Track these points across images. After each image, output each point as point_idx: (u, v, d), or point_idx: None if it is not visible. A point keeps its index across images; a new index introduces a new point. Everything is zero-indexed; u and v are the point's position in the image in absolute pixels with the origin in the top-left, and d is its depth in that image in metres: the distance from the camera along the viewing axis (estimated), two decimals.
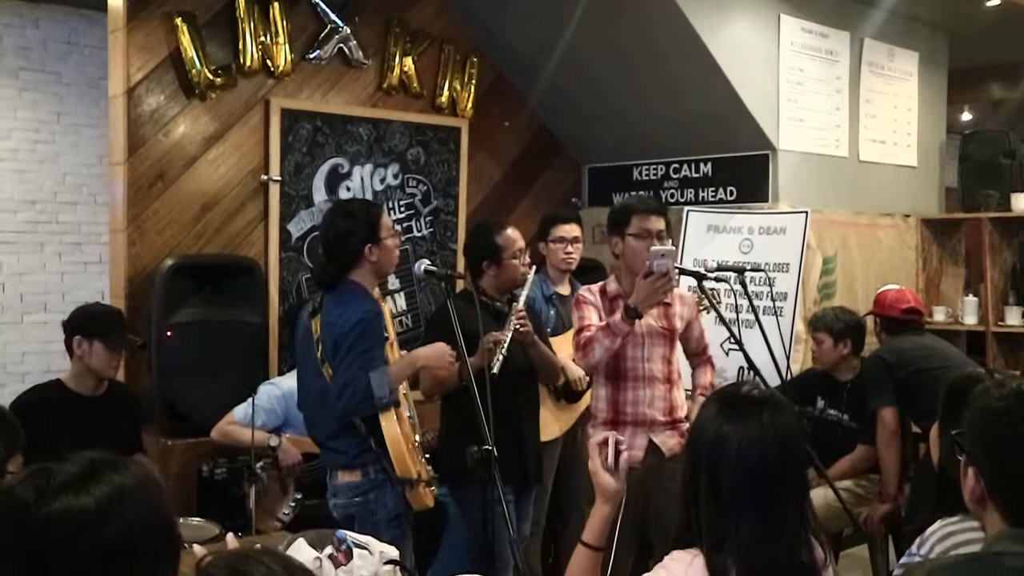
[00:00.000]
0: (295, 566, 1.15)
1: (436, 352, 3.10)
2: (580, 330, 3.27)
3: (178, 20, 4.33)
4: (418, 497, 3.09)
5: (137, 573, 1.31)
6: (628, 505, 3.22)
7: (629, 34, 4.87)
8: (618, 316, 3.10)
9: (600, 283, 3.45)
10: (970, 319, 5.56)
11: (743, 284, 3.58)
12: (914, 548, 1.82)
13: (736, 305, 4.11)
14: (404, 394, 3.19)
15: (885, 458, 4.01)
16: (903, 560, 1.83)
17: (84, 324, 3.46)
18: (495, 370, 3.14)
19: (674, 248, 3.25)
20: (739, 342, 3.31)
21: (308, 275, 4.70)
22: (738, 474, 1.74)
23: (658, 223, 3.29)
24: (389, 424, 3.04)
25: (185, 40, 4.34)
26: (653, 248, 3.13)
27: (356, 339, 3.01)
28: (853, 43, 5.49)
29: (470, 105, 5.37)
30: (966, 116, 7.77)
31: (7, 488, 1.37)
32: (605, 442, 2.03)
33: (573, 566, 1.98)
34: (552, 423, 3.95)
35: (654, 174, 5.59)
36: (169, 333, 4.09)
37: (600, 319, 3.28)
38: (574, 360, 3.49)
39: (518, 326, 3.36)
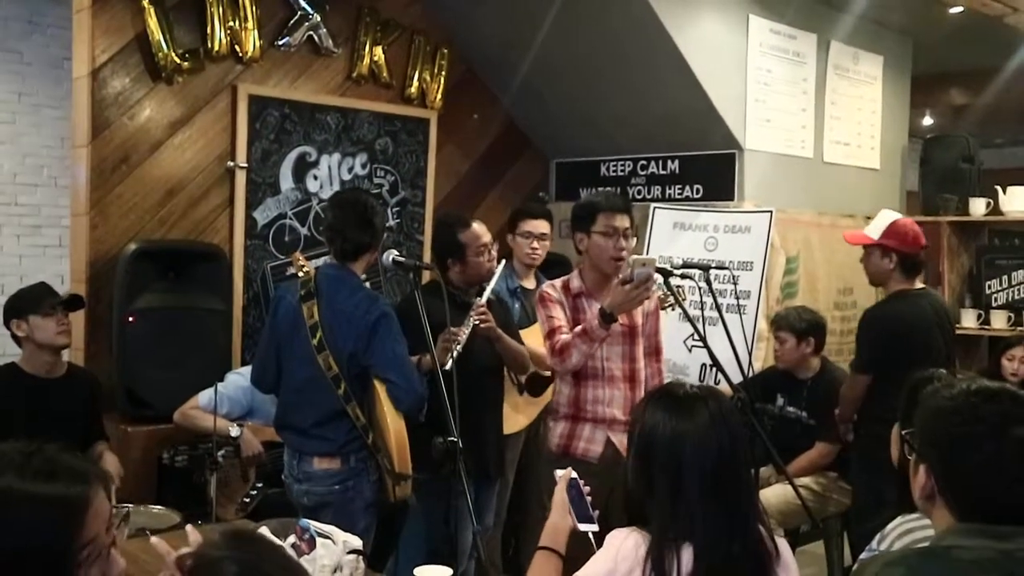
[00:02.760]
0: (297, 567, 1.14)
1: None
2: (552, 331, 3.26)
3: (145, 2, 4.27)
4: (403, 489, 3.12)
5: None
6: (591, 496, 3.26)
7: (600, 31, 4.89)
8: (595, 322, 3.10)
9: (563, 279, 3.46)
10: None
11: (708, 282, 3.62)
12: (874, 544, 1.86)
13: (701, 303, 4.15)
14: None
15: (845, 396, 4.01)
16: (863, 556, 1.87)
17: (13, 307, 3.47)
18: (447, 366, 3.14)
19: (654, 258, 3.26)
20: (703, 339, 3.33)
21: (273, 263, 4.67)
22: (697, 468, 1.84)
23: (623, 221, 3.30)
24: (396, 419, 3.09)
25: (152, 22, 4.29)
26: (634, 257, 3.15)
27: (394, 332, 3.09)
28: (820, 45, 5.56)
29: (439, 97, 5.35)
30: (928, 121, 7.90)
31: None
32: (571, 484, 2.19)
33: (535, 569, 2.02)
34: (516, 416, 3.97)
35: (622, 170, 5.62)
36: (131, 319, 4.04)
37: (566, 317, 3.28)
38: (550, 363, 3.48)
39: (478, 321, 3.37)
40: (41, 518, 1.28)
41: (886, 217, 3.96)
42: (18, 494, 1.27)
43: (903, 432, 1.62)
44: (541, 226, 4.28)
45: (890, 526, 1.85)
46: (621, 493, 3.16)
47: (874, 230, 3.93)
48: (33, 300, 3.47)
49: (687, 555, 1.79)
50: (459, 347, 3.25)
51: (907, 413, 2.01)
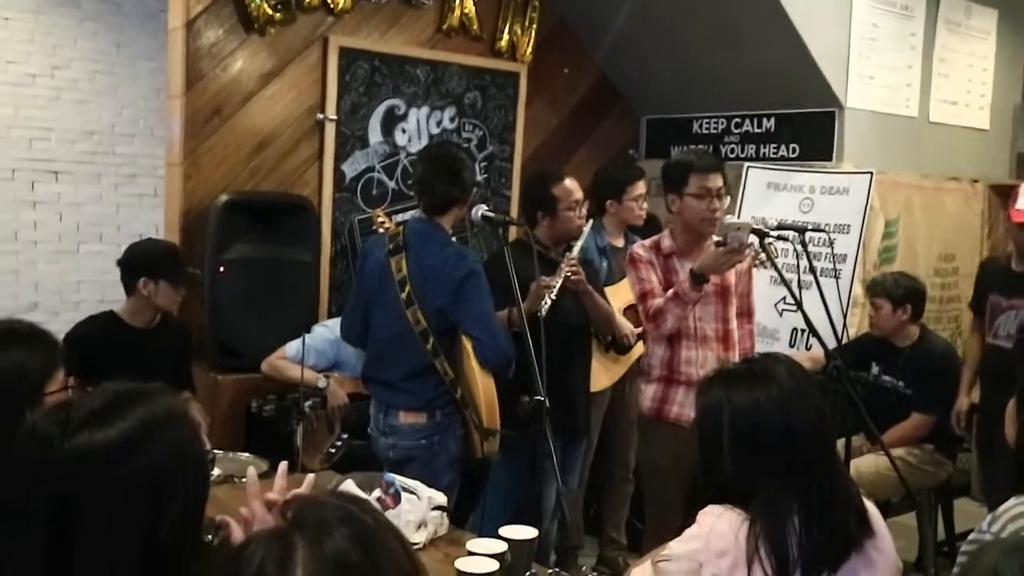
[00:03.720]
0: (404, 541, 1.12)
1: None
2: (644, 295, 3.20)
3: None
4: (490, 445, 3.12)
5: (166, 506, 1.30)
6: (684, 462, 3.20)
7: None
8: (686, 285, 3.04)
9: (653, 238, 3.38)
10: None
11: (803, 244, 3.49)
12: (985, 525, 1.76)
13: (796, 266, 4.02)
14: None
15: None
16: (972, 536, 1.77)
17: (148, 264, 3.47)
18: (542, 313, 3.11)
19: (749, 222, 3.16)
20: (798, 302, 3.22)
21: (361, 216, 4.68)
22: (790, 437, 1.78)
23: (717, 180, 3.20)
24: (485, 375, 3.10)
25: None
26: (728, 219, 3.07)
27: (482, 288, 3.08)
28: None
29: (530, 50, 5.26)
30: None
31: (31, 424, 1.37)
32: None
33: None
34: (601, 374, 3.91)
35: (714, 128, 5.46)
36: (222, 269, 4.10)
37: (658, 279, 3.21)
38: (644, 330, 3.42)
39: (569, 273, 3.31)
40: None
41: None
42: None
43: None
44: (643, 186, 4.22)
45: (1003, 507, 1.75)
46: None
47: None
48: (170, 265, 3.50)
49: (795, 531, 1.73)
50: (552, 296, 3.21)
51: None
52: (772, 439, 1.78)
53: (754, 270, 3.58)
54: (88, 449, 1.28)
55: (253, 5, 4.33)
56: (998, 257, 4.53)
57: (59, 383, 1.84)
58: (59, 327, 3.62)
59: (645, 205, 4.23)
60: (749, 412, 1.80)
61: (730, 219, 3.10)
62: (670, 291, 3.12)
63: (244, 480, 1.74)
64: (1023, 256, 3.99)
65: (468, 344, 3.11)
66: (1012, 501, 1.75)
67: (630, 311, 3.80)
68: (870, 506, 1.87)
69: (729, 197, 3.40)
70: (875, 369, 4.19)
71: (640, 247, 3.34)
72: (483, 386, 3.10)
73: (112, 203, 5.93)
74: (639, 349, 3.71)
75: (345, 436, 3.77)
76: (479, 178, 5.05)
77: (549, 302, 3.18)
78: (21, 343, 1.83)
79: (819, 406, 1.87)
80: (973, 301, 4.42)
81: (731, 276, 3.31)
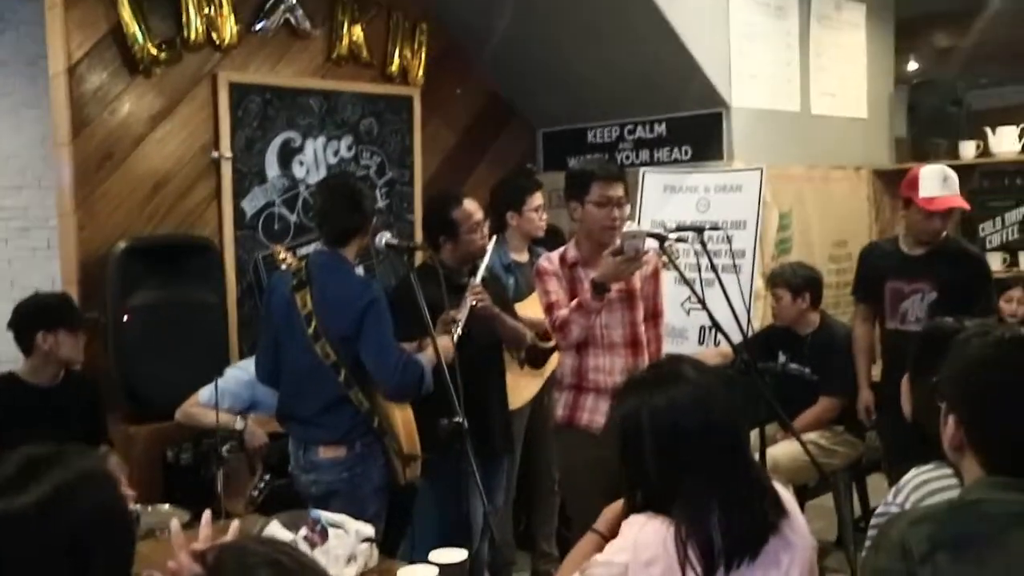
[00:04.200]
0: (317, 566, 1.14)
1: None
2: (550, 307, 3.25)
3: None
4: (412, 471, 3.12)
5: (92, 566, 1.29)
6: (599, 465, 3.25)
7: None
8: (588, 295, 3.10)
9: (559, 250, 3.43)
10: None
11: (703, 243, 3.60)
12: (890, 498, 1.85)
13: (697, 264, 4.13)
14: None
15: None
16: (879, 509, 1.86)
17: (42, 318, 3.38)
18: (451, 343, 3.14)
19: (644, 230, 3.24)
20: (701, 301, 3.32)
21: (264, 253, 4.64)
22: (699, 436, 1.84)
23: (618, 189, 3.27)
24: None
25: (127, 14, 4.22)
26: (625, 230, 3.13)
27: (382, 318, 3.05)
28: None
29: (421, 73, 5.30)
30: (913, 65, 7.84)
31: None
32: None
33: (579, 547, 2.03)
34: (519, 390, 3.96)
35: (608, 136, 5.58)
36: (126, 316, 4.02)
37: (563, 289, 3.27)
38: (555, 343, 3.48)
39: (474, 302, 3.35)
40: None
41: (951, 174, 3.93)
42: None
43: (934, 380, 1.60)
44: (542, 197, 4.28)
45: (905, 479, 1.85)
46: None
47: (956, 189, 3.93)
48: (64, 314, 3.42)
49: (717, 526, 1.78)
50: (459, 330, 3.23)
51: (919, 363, 2.00)
52: (692, 435, 1.83)
53: (662, 272, 3.66)
54: (4, 516, 1.26)
55: (137, 47, 4.26)
56: (880, 243, 4.47)
57: None
58: None
59: (545, 216, 4.29)
60: (668, 412, 1.84)
61: (627, 227, 3.17)
62: (573, 302, 3.17)
63: (167, 533, 1.72)
64: (920, 240, 3.96)
65: None
66: (913, 472, 1.85)
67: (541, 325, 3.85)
68: (780, 488, 1.94)
69: (629, 205, 3.47)
70: (782, 358, 4.34)
71: (546, 259, 3.39)
72: (400, 412, 3.11)
73: (4, 258, 5.75)
74: (554, 362, 3.76)
75: (267, 477, 3.73)
76: (381, 204, 5.06)
77: (456, 337, 3.20)
78: None
79: (729, 398, 1.94)
80: (859, 289, 4.28)
81: (636, 281, 3.37)
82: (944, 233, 4.00)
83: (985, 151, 5.62)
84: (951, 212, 4.04)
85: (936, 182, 3.87)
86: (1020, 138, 5.53)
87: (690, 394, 1.87)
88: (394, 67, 5.19)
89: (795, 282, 4.26)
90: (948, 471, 1.75)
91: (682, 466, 1.83)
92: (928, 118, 6.03)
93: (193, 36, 4.42)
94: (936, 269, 3.90)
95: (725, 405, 1.90)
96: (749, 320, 4.38)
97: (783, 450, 3.96)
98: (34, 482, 1.29)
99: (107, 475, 1.41)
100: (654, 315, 3.46)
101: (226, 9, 4.49)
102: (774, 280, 4.36)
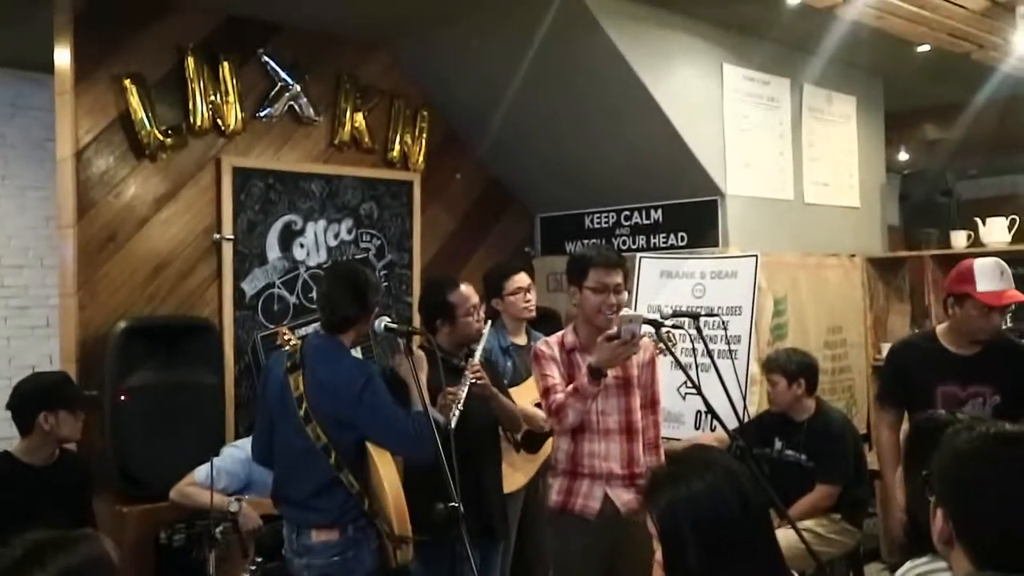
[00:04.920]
0: None
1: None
2: (547, 391, 3.25)
3: (127, 81, 4.33)
4: (404, 554, 3.09)
5: None
6: (593, 551, 3.23)
7: (575, 84, 4.96)
8: (585, 379, 3.11)
9: (558, 334, 3.46)
10: None
11: (698, 329, 3.63)
12: None
13: (692, 350, 4.16)
14: None
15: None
16: None
17: (44, 399, 3.38)
18: (451, 425, 3.15)
19: (641, 314, 3.26)
20: (697, 386, 3.32)
21: (263, 333, 4.67)
22: (730, 520, 1.80)
23: (615, 276, 3.30)
24: (393, 482, 3.07)
25: (134, 101, 4.34)
26: (621, 314, 3.15)
27: (379, 392, 3.05)
28: (794, 89, 5.65)
29: (421, 159, 5.41)
30: (904, 156, 8.00)
31: None
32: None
33: None
34: (515, 474, 3.95)
35: (606, 222, 5.67)
36: (123, 397, 4.02)
37: (561, 374, 3.29)
38: (548, 423, 3.47)
39: (474, 380, 3.36)
40: None
41: (1006, 267, 3.57)
42: None
43: (923, 473, 1.61)
44: (526, 278, 4.29)
45: (900, 572, 1.85)
46: (627, 551, 3.16)
47: (1013, 282, 3.55)
48: (65, 394, 3.42)
49: None
50: (459, 406, 3.24)
51: (911, 456, 2.01)
52: (735, 519, 1.79)
53: (658, 358, 3.68)
54: None
55: (144, 132, 4.36)
56: (915, 341, 4.01)
57: None
58: None
59: (530, 297, 4.27)
60: (709, 498, 1.81)
61: (624, 312, 3.20)
62: (570, 386, 3.19)
63: None
64: (974, 339, 3.57)
65: (374, 453, 3.11)
66: (907, 564, 1.85)
67: (539, 408, 3.86)
68: None
69: (626, 293, 3.50)
70: (778, 444, 4.33)
71: (544, 343, 3.40)
72: (392, 494, 3.07)
73: (2, 336, 5.76)
74: (549, 446, 3.76)
75: (260, 560, 3.68)
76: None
77: (457, 412, 3.22)
78: None
79: (755, 480, 1.92)
80: (892, 394, 3.81)
81: (633, 368, 3.39)
82: None
83: (976, 241, 5.69)
84: (1008, 308, 3.76)
85: (994, 275, 3.51)
86: (1010, 228, 5.61)
87: (724, 478, 1.83)
88: (395, 153, 5.30)
89: (790, 368, 4.27)
90: (942, 564, 1.75)
91: (727, 552, 1.78)
92: (919, 208, 6.14)
93: (199, 122, 4.53)
94: (996, 370, 3.55)
95: (754, 485, 1.89)
96: (745, 406, 4.40)
97: (780, 538, 3.91)
98: (40, 568, 1.30)
99: (110, 562, 1.42)
100: (652, 403, 3.45)
101: (232, 96, 4.61)
102: (769, 366, 4.38)
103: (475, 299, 3.58)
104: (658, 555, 1.85)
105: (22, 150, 5.84)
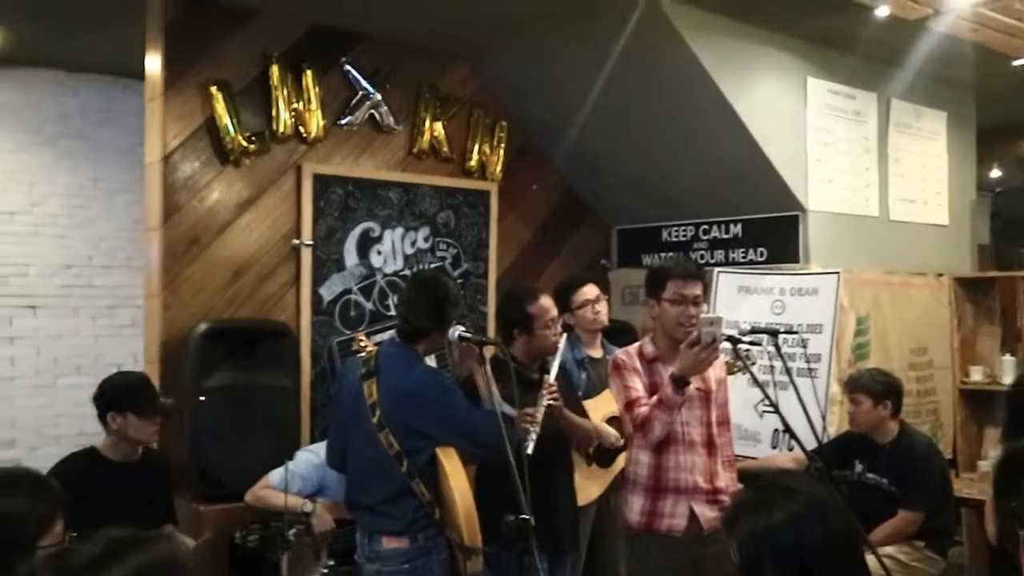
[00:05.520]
0: None
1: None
2: (630, 404, 3.20)
3: (213, 88, 4.42)
4: (474, 564, 3.08)
5: None
6: (673, 571, 3.17)
7: (657, 97, 4.92)
8: (669, 389, 3.06)
9: (635, 344, 3.42)
10: (1008, 378, 5.46)
11: (777, 346, 3.55)
12: None
13: (770, 367, 4.07)
14: None
15: None
16: None
17: (114, 399, 3.45)
18: (529, 450, 3.11)
19: (722, 317, 3.19)
20: (775, 405, 3.25)
21: (340, 339, 4.72)
22: (813, 549, 1.73)
23: (695, 288, 3.25)
24: (464, 493, 3.06)
25: (220, 107, 4.43)
26: (702, 316, 3.10)
27: (448, 394, 3.07)
28: (880, 103, 5.51)
29: (499, 168, 5.42)
30: (996, 173, 7.75)
31: (29, 571, 1.37)
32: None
33: None
34: (587, 487, 3.90)
35: (684, 235, 5.60)
36: (202, 398, 4.10)
37: (643, 384, 3.24)
38: (626, 439, 3.42)
39: (550, 401, 3.33)
40: None
41: None
42: None
43: (1013, 505, 1.53)
44: (593, 290, 4.23)
45: None
46: (709, 569, 3.10)
47: None
48: (136, 399, 3.46)
49: None
50: (537, 429, 3.20)
51: (1001, 485, 1.92)
52: (817, 551, 1.73)
53: (730, 377, 3.61)
54: None
55: (228, 138, 4.45)
56: None
57: (56, 536, 1.83)
58: (38, 462, 3.62)
59: (599, 308, 4.19)
60: (790, 528, 1.75)
61: (704, 315, 3.14)
62: (654, 398, 3.13)
63: None
64: None
65: (445, 462, 3.11)
66: None
67: (613, 422, 3.81)
68: None
69: (706, 305, 3.44)
70: (858, 467, 4.21)
71: (624, 353, 3.35)
72: (463, 504, 3.07)
73: (90, 335, 5.94)
74: (622, 460, 3.71)
75: (332, 563, 3.71)
76: None
77: (535, 435, 3.17)
78: (23, 492, 1.83)
79: (842, 505, 1.84)
80: None
81: (712, 382, 3.34)
82: None
83: None
84: None
85: None
86: None
87: (806, 506, 1.77)
88: (473, 162, 5.32)
89: (876, 388, 4.14)
90: None
91: None
92: (1012, 226, 5.91)
93: (281, 129, 4.61)
94: None
95: (841, 512, 1.82)
96: (824, 426, 4.30)
97: None
98: (117, 565, 1.31)
99: (183, 563, 1.43)
100: (726, 420, 3.41)
101: (314, 104, 4.68)
102: (853, 385, 4.24)
103: (554, 312, 3.55)
104: None
105: (113, 154, 6.01)
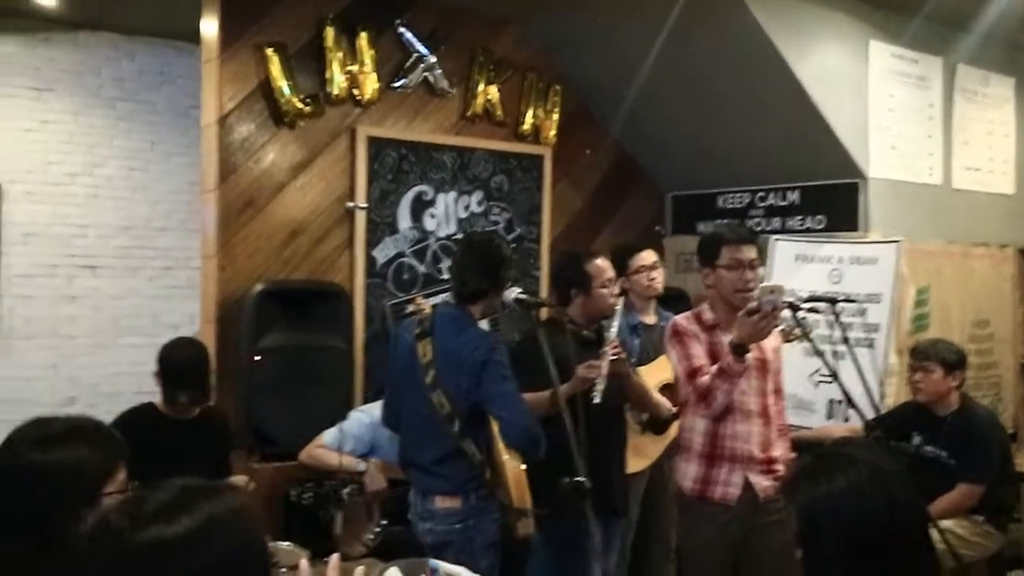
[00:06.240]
0: None
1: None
2: (692, 372, 3.16)
3: (269, 51, 4.42)
4: (525, 526, 3.08)
5: None
6: (726, 541, 3.14)
7: (712, 61, 4.83)
8: (730, 358, 3.01)
9: (694, 311, 3.37)
10: None
11: (836, 315, 3.49)
12: None
13: (829, 336, 4.00)
14: None
15: None
16: None
17: (168, 375, 3.51)
18: (597, 399, 3.12)
19: (782, 285, 3.12)
20: (834, 373, 3.20)
21: (393, 301, 4.73)
22: (875, 520, 1.68)
23: (750, 252, 3.20)
24: (511, 458, 3.06)
25: (275, 70, 4.43)
26: (763, 285, 3.04)
27: (499, 372, 3.04)
28: (946, 69, 5.36)
29: (553, 133, 5.37)
30: None
31: (102, 515, 1.39)
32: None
33: None
34: (639, 455, 3.88)
35: (739, 202, 5.51)
36: (258, 357, 4.14)
37: (704, 352, 3.20)
38: (679, 407, 3.39)
39: (614, 356, 3.30)
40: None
41: None
42: None
43: None
44: (651, 256, 4.20)
45: None
46: (761, 538, 3.07)
47: None
48: (185, 383, 3.51)
49: None
50: (604, 380, 3.20)
51: None
52: (879, 522, 1.68)
53: (785, 345, 3.55)
54: (156, 543, 1.30)
55: (283, 100, 4.46)
56: None
57: (119, 484, 1.85)
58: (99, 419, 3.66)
59: (655, 275, 4.16)
60: (850, 497, 1.69)
61: (765, 284, 3.09)
62: (714, 367, 3.09)
63: (285, 571, 1.74)
64: None
65: (495, 425, 3.11)
66: None
67: (666, 390, 3.77)
68: None
69: (762, 269, 3.39)
70: (916, 439, 4.12)
71: (684, 319, 3.30)
72: (511, 466, 3.08)
73: (148, 295, 6.03)
74: (675, 429, 3.68)
75: (384, 523, 3.74)
76: None
77: (602, 385, 3.17)
78: (83, 441, 1.85)
79: (907, 476, 1.77)
80: None
81: (768, 351, 3.29)
82: None
83: None
84: None
85: None
86: None
87: (869, 475, 1.71)
88: (527, 126, 5.28)
89: (950, 358, 4.03)
90: None
91: (870, 561, 1.67)
92: None
93: (336, 92, 4.60)
94: None
95: (906, 483, 1.75)
96: (882, 396, 4.22)
97: None
98: (186, 513, 1.32)
99: (252, 514, 1.44)
100: (779, 389, 3.35)
101: (368, 67, 4.67)
102: (925, 353, 4.11)
103: (611, 272, 3.54)
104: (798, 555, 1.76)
105: (169, 117, 6.08)
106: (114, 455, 1.88)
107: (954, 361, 4.02)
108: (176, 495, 1.36)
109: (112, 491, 1.83)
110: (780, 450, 3.25)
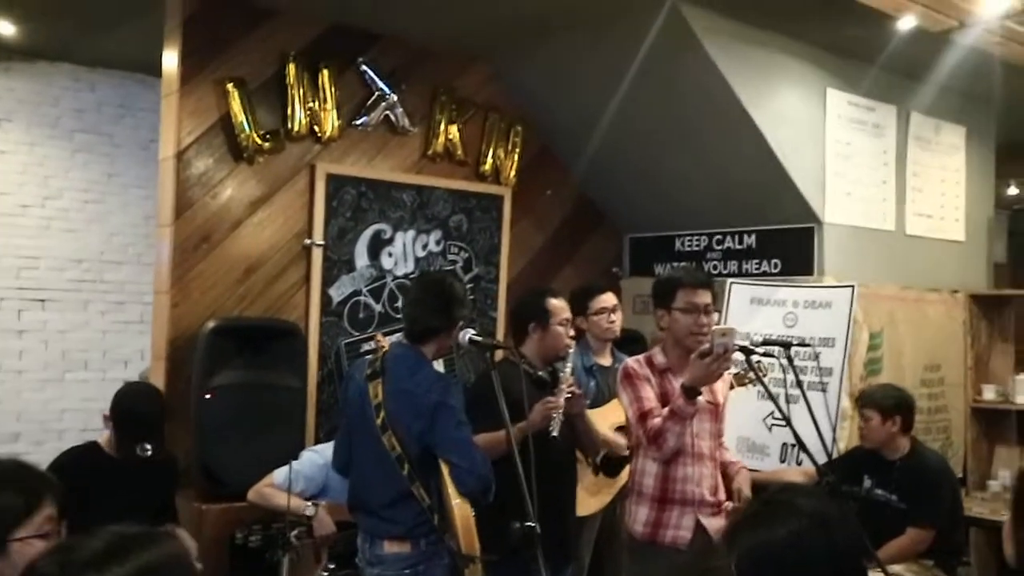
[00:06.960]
0: None
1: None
2: (643, 415, 3.16)
3: (229, 85, 4.41)
4: (473, 572, 3.03)
5: None
6: None
7: (675, 105, 4.88)
8: (680, 401, 3.02)
9: (645, 354, 3.38)
10: (1021, 398, 5.40)
11: (789, 359, 3.50)
12: None
13: (783, 380, 4.02)
14: None
15: None
16: None
17: (126, 425, 3.41)
18: (555, 433, 3.12)
19: (734, 328, 3.16)
20: (786, 418, 3.21)
21: (348, 340, 4.69)
22: (819, 560, 1.68)
23: (704, 296, 3.23)
24: (461, 502, 3.00)
25: (236, 105, 4.41)
26: (715, 328, 3.07)
27: (453, 416, 3.01)
28: (900, 116, 5.47)
29: (513, 173, 5.39)
30: (1013, 191, 7.68)
31: (32, 564, 1.35)
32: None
33: None
34: (591, 498, 3.87)
35: (697, 245, 5.56)
36: (209, 395, 4.08)
37: (656, 395, 3.20)
38: (639, 452, 3.38)
39: (570, 393, 3.30)
40: None
41: None
42: None
43: None
44: (611, 299, 4.22)
45: None
46: None
47: None
48: (142, 432, 3.38)
49: None
50: (561, 415, 3.19)
51: (1019, 507, 1.88)
52: (818, 566, 1.68)
53: (739, 389, 3.58)
54: None
55: (243, 135, 4.44)
56: None
57: (37, 527, 1.79)
58: (42, 456, 3.58)
59: (615, 317, 4.19)
60: (791, 546, 1.69)
61: (717, 327, 3.11)
62: (665, 409, 3.10)
63: None
64: None
65: (445, 469, 3.07)
66: None
67: (620, 431, 3.76)
68: None
69: (717, 314, 3.41)
70: (867, 483, 4.15)
71: (635, 362, 3.31)
72: (459, 511, 3.02)
73: (99, 330, 5.93)
74: (627, 473, 3.66)
75: (332, 566, 3.68)
76: None
77: (560, 420, 3.18)
78: None
79: (849, 522, 1.78)
80: None
81: (719, 395, 3.30)
82: None
83: None
84: None
85: None
86: None
87: (810, 523, 1.71)
88: (487, 166, 5.29)
89: (886, 404, 4.10)
90: None
91: None
92: None
93: (296, 128, 4.59)
94: None
95: (849, 530, 1.76)
96: (835, 440, 4.24)
97: None
98: (118, 564, 1.29)
99: (190, 564, 1.41)
100: (722, 432, 3.38)
101: (330, 104, 4.67)
102: (864, 400, 4.20)
103: (568, 313, 3.57)
104: None
105: (128, 149, 6.02)
106: (30, 499, 1.81)
107: (890, 406, 4.07)
108: (109, 542, 1.33)
109: (26, 536, 1.77)
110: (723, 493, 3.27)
